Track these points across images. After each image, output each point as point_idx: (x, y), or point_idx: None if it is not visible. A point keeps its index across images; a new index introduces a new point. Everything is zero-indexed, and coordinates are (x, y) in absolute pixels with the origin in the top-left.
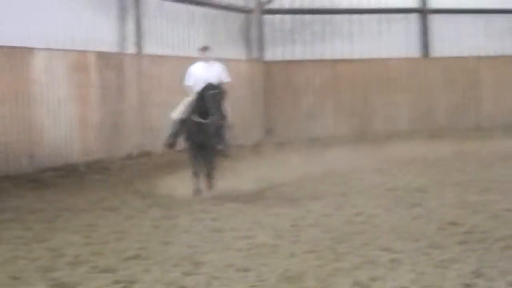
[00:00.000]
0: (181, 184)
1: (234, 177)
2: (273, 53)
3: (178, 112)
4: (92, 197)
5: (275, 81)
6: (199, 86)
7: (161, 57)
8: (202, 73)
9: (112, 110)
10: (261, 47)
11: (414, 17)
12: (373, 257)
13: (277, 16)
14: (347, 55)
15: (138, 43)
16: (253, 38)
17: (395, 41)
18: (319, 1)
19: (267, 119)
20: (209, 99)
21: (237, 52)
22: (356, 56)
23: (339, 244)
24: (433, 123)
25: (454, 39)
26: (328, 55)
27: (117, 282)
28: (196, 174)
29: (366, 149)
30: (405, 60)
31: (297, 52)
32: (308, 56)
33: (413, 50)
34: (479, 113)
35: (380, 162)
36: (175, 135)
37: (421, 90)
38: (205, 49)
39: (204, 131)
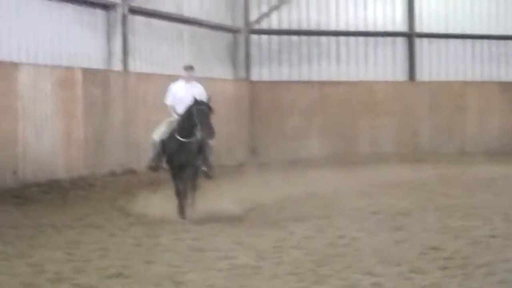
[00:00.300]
0: (164, 203)
1: (217, 197)
2: (259, 73)
3: (159, 132)
4: (75, 214)
5: (261, 101)
6: (179, 106)
7: (147, 74)
8: (183, 93)
9: (97, 127)
10: (247, 67)
11: (401, 41)
12: (354, 281)
13: (265, 37)
14: (334, 77)
15: (125, 60)
16: (240, 58)
17: (381, 64)
18: (307, 22)
19: (252, 139)
20: (198, 115)
21: (224, 71)
22: (343, 78)
23: (320, 267)
24: (418, 146)
25: (440, 64)
26: (314, 77)
27: None
28: (178, 194)
29: (350, 171)
30: (391, 84)
31: (284, 72)
32: (295, 77)
33: (399, 73)
34: (464, 138)
35: (364, 184)
36: (158, 157)
37: (407, 114)
38: (189, 68)
39: (187, 150)
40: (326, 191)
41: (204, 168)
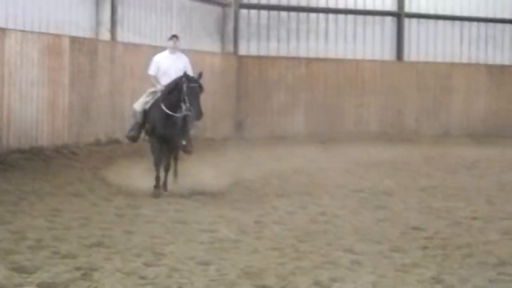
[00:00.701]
0: (148, 174)
1: (201, 170)
2: (247, 48)
3: (141, 102)
4: (58, 182)
5: (248, 75)
6: (163, 78)
7: (135, 45)
8: (167, 64)
9: (83, 95)
10: (236, 41)
11: (390, 20)
12: (335, 258)
13: (254, 11)
14: (321, 54)
15: (113, 30)
16: (228, 32)
17: (369, 43)
18: None
19: (238, 114)
20: (189, 93)
21: (212, 44)
22: (330, 55)
23: (301, 243)
24: (403, 126)
25: (428, 44)
26: (302, 53)
27: (77, 268)
28: (158, 168)
29: (335, 149)
30: (378, 63)
31: (272, 48)
32: (283, 52)
33: (387, 53)
34: (449, 119)
35: (347, 162)
36: (139, 127)
37: (393, 93)
38: (174, 38)
39: (172, 123)
40: (310, 168)
41: (183, 142)
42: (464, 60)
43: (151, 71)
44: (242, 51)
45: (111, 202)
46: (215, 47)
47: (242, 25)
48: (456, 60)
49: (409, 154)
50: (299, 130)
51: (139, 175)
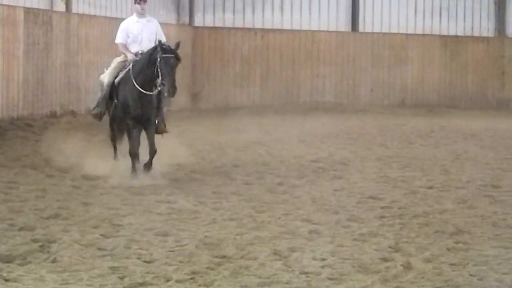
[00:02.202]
0: (104, 146)
1: (158, 142)
2: (203, 19)
3: (109, 74)
4: (13, 154)
5: (203, 47)
6: (133, 45)
7: (90, 16)
8: (137, 29)
9: (38, 67)
10: (191, 12)
11: None
12: (293, 228)
13: None
14: (277, 25)
15: (68, 1)
16: (183, 3)
17: (324, 14)
18: None
19: (194, 85)
20: (163, 65)
21: (167, 16)
22: (286, 26)
23: (259, 213)
24: (358, 97)
25: (383, 15)
26: (258, 24)
27: (35, 241)
28: (134, 153)
29: (291, 120)
30: (333, 33)
31: (228, 19)
32: (238, 24)
33: (342, 23)
34: (404, 89)
35: (304, 133)
36: (106, 102)
37: (348, 64)
38: (141, 1)
39: (147, 102)
40: (266, 139)
41: (156, 122)
42: (419, 31)
43: (119, 38)
44: (198, 22)
45: (67, 174)
46: (171, 18)
47: None
48: (411, 31)
49: (364, 125)
50: (255, 101)
51: (95, 147)
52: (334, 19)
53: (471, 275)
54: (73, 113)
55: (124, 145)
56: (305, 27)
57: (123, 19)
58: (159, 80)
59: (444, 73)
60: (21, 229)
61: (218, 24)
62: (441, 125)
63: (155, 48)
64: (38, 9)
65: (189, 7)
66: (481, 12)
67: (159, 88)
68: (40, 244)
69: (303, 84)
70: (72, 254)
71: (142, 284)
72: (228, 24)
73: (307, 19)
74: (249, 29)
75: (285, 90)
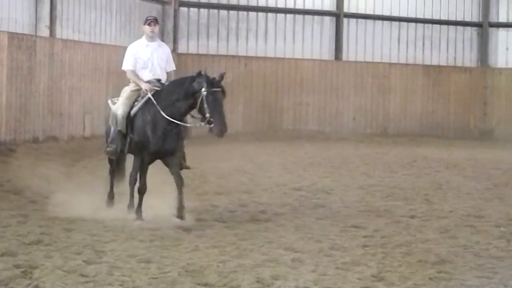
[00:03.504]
0: (87, 171)
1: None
2: (187, 46)
3: (123, 104)
4: None
5: (187, 73)
6: (143, 71)
7: (74, 42)
8: (147, 54)
9: (21, 92)
10: (175, 39)
11: (328, 20)
12: (276, 256)
13: (194, 9)
14: (260, 53)
15: (52, 27)
16: (168, 30)
17: (308, 43)
18: None
19: None
20: (210, 100)
21: None
22: (269, 54)
23: (242, 241)
24: (341, 126)
25: (366, 44)
26: (242, 52)
27: (17, 266)
28: (142, 192)
29: (273, 148)
30: (317, 62)
31: (211, 46)
32: (222, 51)
33: (325, 52)
34: (387, 119)
35: (286, 161)
36: (122, 138)
37: (331, 93)
38: (152, 22)
39: (174, 137)
40: (249, 166)
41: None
42: (402, 60)
43: (128, 65)
44: (182, 49)
45: (50, 200)
46: None
47: (182, 23)
48: (394, 60)
49: (347, 153)
50: (238, 129)
51: (78, 173)
52: (318, 47)
53: None
54: (55, 138)
55: (121, 182)
56: (288, 55)
57: (106, 45)
58: (207, 116)
59: (427, 102)
60: (2, 254)
61: (202, 51)
62: (423, 154)
63: (196, 77)
64: (22, 34)
65: (173, 34)
66: (464, 42)
67: (203, 125)
68: (22, 270)
69: (286, 112)
70: (54, 280)
71: None
72: (212, 51)
73: (290, 47)
74: (232, 56)
75: (268, 117)
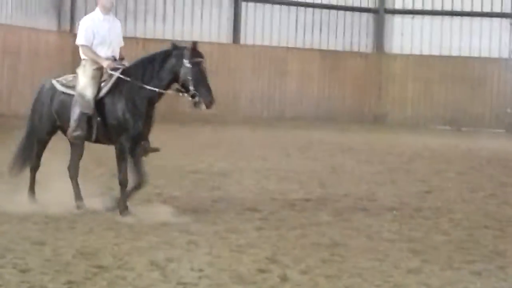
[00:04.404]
0: None
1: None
2: None
3: (89, 85)
4: None
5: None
6: (101, 47)
7: None
8: (104, 29)
9: None
10: (72, 19)
11: (227, 3)
12: (171, 238)
13: None
14: (158, 35)
15: None
16: (65, 10)
17: (207, 25)
18: None
19: None
20: (196, 72)
21: (48, 22)
22: (167, 36)
23: (137, 223)
24: (239, 109)
25: (265, 29)
26: (140, 34)
27: None
28: (124, 183)
29: (171, 130)
30: (215, 45)
31: None
32: None
33: (224, 35)
34: (284, 102)
35: (183, 144)
36: (88, 122)
37: (229, 76)
38: None
39: (150, 117)
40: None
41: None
42: (299, 45)
43: (84, 40)
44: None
45: None
46: (52, 24)
47: (79, 3)
48: (291, 44)
49: (244, 136)
50: None
51: None
52: (216, 30)
53: (345, 286)
54: None
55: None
56: (187, 37)
57: (1, 25)
58: (191, 90)
59: (323, 87)
60: None
61: None
62: (318, 138)
63: (167, 52)
64: None
65: (70, 14)
66: (360, 28)
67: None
68: None
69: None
70: None
71: None
72: None
73: (189, 29)
74: (130, 38)
75: (164, 99)
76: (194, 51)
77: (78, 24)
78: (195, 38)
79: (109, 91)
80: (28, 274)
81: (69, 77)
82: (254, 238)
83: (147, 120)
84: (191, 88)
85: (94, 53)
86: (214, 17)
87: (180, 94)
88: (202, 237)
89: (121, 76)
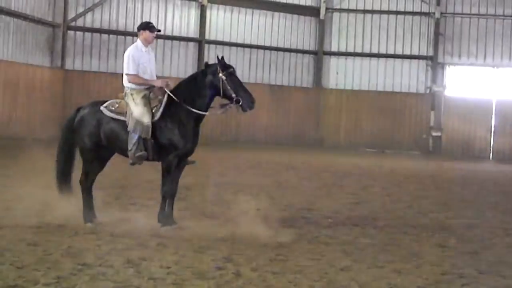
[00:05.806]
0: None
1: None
2: (73, 63)
3: (143, 111)
4: None
5: (73, 87)
6: (145, 77)
7: None
8: (146, 61)
9: None
10: (63, 57)
11: (192, 46)
12: (143, 241)
13: (80, 33)
14: None
15: None
16: (57, 49)
17: (176, 63)
18: (116, 23)
19: (63, 119)
20: (231, 81)
21: (43, 60)
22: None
23: (115, 228)
24: (202, 134)
25: None
26: (119, 69)
27: None
28: (171, 195)
29: None
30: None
31: (94, 64)
32: (103, 68)
33: (190, 70)
34: (238, 128)
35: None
36: (145, 144)
37: None
38: (155, 30)
39: (197, 133)
40: (125, 165)
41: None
42: (252, 80)
43: (132, 69)
44: (69, 66)
45: None
46: (45, 62)
47: (69, 44)
48: (245, 80)
49: (205, 156)
50: None
51: None
52: (183, 68)
53: (289, 281)
54: None
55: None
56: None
57: (4, 61)
58: (234, 97)
59: (271, 116)
60: None
61: (86, 68)
62: (267, 158)
63: (203, 72)
64: None
65: (61, 53)
66: (303, 67)
67: (227, 108)
68: None
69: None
70: None
71: (14, 286)
72: (94, 68)
73: (160, 68)
74: (111, 73)
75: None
76: (224, 64)
77: (67, 61)
78: (166, 74)
79: (161, 116)
80: (24, 270)
81: (114, 103)
82: (213, 241)
83: (194, 138)
84: (233, 95)
85: (145, 79)
86: (181, 58)
87: (227, 107)
88: (169, 239)
89: (171, 95)
